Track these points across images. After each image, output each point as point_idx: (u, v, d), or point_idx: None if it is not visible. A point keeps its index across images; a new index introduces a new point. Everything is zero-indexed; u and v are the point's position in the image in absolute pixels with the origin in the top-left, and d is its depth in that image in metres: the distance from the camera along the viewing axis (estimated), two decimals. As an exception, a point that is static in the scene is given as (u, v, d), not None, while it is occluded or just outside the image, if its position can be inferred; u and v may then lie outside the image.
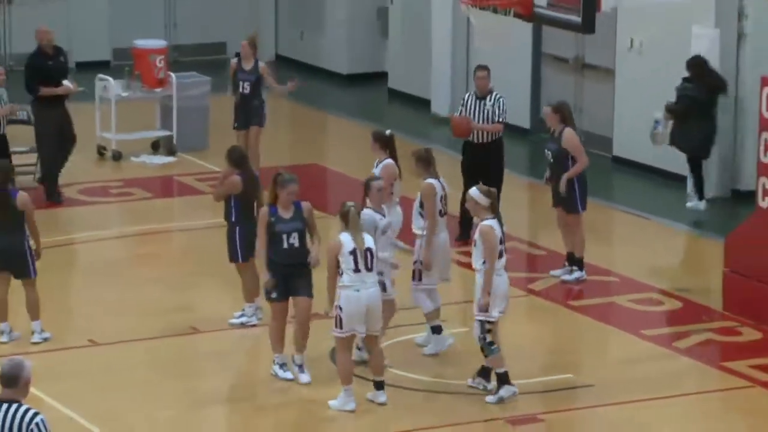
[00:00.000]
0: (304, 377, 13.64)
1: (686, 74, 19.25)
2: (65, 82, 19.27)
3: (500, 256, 13.40)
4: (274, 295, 13.57)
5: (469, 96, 17.55)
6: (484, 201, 13.38)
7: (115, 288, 17.20)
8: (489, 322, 13.32)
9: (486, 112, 17.19)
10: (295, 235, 13.44)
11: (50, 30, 19.68)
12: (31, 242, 14.66)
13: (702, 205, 19.23)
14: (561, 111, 16.59)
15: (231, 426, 13.79)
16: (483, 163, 17.17)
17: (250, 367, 15.04)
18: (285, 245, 13.41)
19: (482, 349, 13.44)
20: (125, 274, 17.66)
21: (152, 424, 13.24)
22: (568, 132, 16.41)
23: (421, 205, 14.61)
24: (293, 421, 13.42)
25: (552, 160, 16.59)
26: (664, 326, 15.60)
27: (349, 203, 13.41)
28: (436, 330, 14.57)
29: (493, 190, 13.71)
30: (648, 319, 15.82)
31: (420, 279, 14.49)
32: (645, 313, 15.99)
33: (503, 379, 13.48)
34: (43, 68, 19.35)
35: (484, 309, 13.20)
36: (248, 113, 19.16)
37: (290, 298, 13.68)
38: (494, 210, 13.39)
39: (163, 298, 16.36)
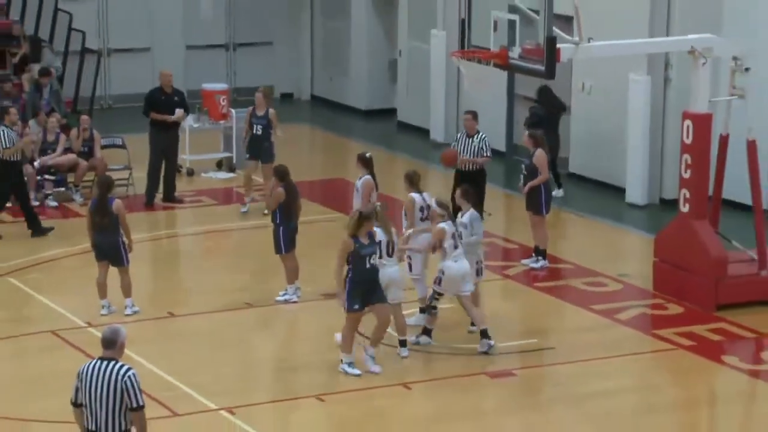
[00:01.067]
0: (376, 368, 13.26)
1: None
2: (176, 115, 19.26)
3: (455, 247, 13.66)
4: (357, 306, 13.11)
5: (460, 135, 17.41)
6: (439, 211, 13.72)
7: (188, 273, 17.26)
8: (439, 294, 13.71)
9: (474, 147, 17.05)
10: (374, 256, 13.18)
11: (170, 74, 19.75)
12: (125, 238, 14.65)
13: (560, 192, 19.56)
14: (535, 137, 16.69)
15: (278, 379, 13.74)
16: (471, 184, 16.96)
17: (291, 333, 15.05)
18: (367, 265, 13.10)
19: (426, 308, 13.87)
20: (196, 263, 17.73)
21: (216, 378, 13.23)
22: (539, 152, 16.45)
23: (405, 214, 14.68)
24: (325, 375, 13.38)
25: (525, 173, 16.61)
26: (608, 302, 15.53)
27: (378, 204, 13.74)
28: (422, 310, 14.47)
29: (447, 203, 14.08)
30: (596, 297, 15.78)
31: (411, 270, 14.45)
32: (593, 293, 15.95)
33: (426, 332, 13.87)
34: (155, 100, 19.37)
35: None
36: (259, 150, 18.74)
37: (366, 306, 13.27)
38: (450, 216, 13.71)
39: (225, 280, 16.34)
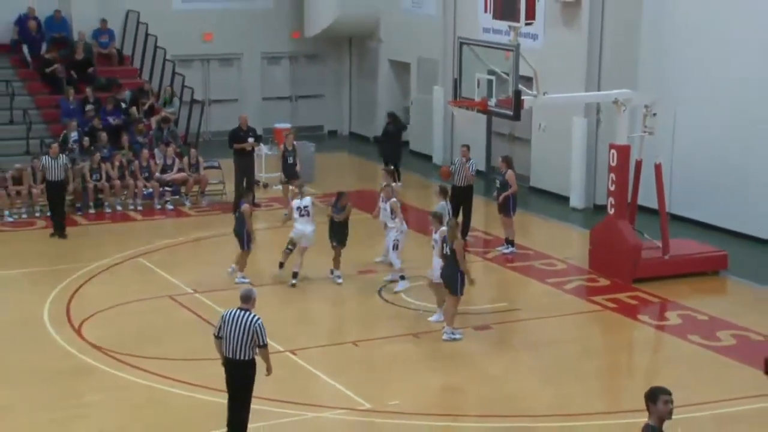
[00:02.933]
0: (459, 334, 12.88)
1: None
2: (249, 143, 19.09)
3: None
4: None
5: (458, 160, 17.24)
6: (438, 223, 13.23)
7: (262, 256, 17.02)
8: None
9: (467, 169, 16.93)
10: None
11: (246, 117, 19.61)
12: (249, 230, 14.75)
13: (399, 185, 19.26)
14: (506, 160, 16.57)
15: (325, 330, 13.68)
16: (461, 196, 16.81)
17: (335, 298, 14.89)
18: None
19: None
20: (268, 249, 17.45)
21: (283, 328, 13.13)
22: (510, 172, 16.36)
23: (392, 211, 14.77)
24: (359, 327, 13.34)
25: (499, 186, 16.51)
26: (557, 277, 15.44)
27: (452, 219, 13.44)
28: (402, 278, 14.51)
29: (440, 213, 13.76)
30: (549, 273, 15.68)
31: (396, 248, 14.56)
32: (547, 270, 15.86)
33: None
34: (235, 136, 19.22)
35: None
36: (292, 174, 18.48)
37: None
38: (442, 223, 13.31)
39: (288, 261, 16.22)
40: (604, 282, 15.19)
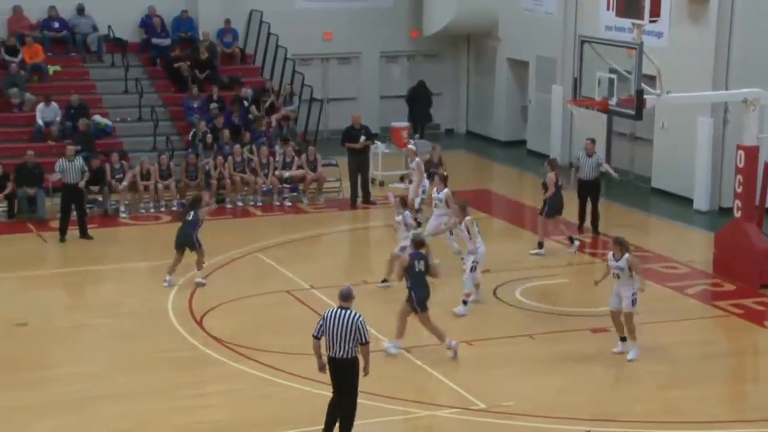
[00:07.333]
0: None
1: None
2: (360, 142, 19.35)
3: None
4: None
5: (581, 155, 17.15)
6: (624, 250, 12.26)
7: (377, 252, 16.96)
8: None
9: (592, 164, 16.83)
10: None
11: (358, 116, 19.90)
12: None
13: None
14: (552, 163, 16.53)
15: (447, 317, 13.65)
16: (589, 190, 16.87)
17: (455, 292, 14.81)
18: None
19: None
20: (384, 245, 17.52)
21: (413, 318, 13.10)
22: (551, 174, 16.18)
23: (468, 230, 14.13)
24: (472, 326, 13.28)
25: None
26: (679, 281, 15.07)
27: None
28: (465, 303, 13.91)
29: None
30: (669, 277, 15.32)
31: (474, 270, 13.94)
32: (668, 274, 15.49)
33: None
34: (349, 134, 19.53)
35: None
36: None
37: None
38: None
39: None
40: (729, 287, 14.75)
